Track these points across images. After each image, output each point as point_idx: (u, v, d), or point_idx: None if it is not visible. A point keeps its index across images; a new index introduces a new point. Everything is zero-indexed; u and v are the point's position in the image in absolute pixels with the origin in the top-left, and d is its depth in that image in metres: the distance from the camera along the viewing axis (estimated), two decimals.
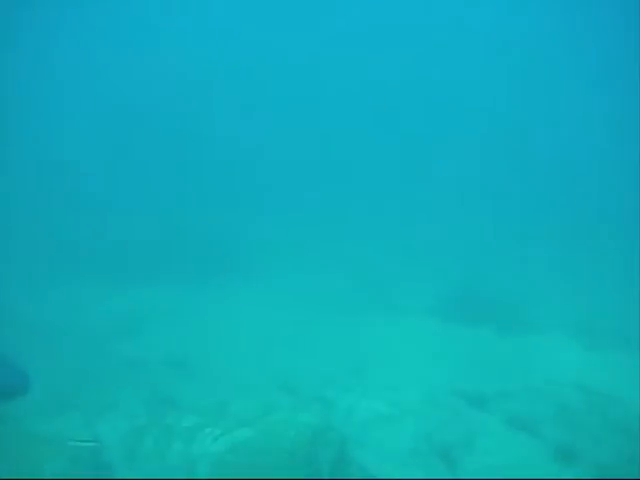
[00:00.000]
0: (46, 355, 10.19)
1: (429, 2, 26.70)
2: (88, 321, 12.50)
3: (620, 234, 18.07)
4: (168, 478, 6.58)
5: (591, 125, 24.26)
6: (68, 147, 19.39)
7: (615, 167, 21.60)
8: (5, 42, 17.46)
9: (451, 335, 12.45)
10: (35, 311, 12.45)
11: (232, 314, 13.51)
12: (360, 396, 9.11)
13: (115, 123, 20.64)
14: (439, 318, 13.36)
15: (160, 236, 16.99)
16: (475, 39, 26.21)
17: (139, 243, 16.42)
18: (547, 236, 18.62)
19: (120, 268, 15.04)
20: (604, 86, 25.16)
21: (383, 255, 17.43)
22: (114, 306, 13.67)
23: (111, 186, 18.73)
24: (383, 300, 14.62)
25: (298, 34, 25.69)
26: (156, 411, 7.84)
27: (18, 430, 7.82)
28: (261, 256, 17.26)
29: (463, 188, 20.27)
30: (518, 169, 22.62)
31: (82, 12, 21.12)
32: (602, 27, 24.50)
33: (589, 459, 7.63)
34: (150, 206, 18.54)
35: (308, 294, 14.97)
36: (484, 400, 9.10)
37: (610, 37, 24.17)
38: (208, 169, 21.03)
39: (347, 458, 6.96)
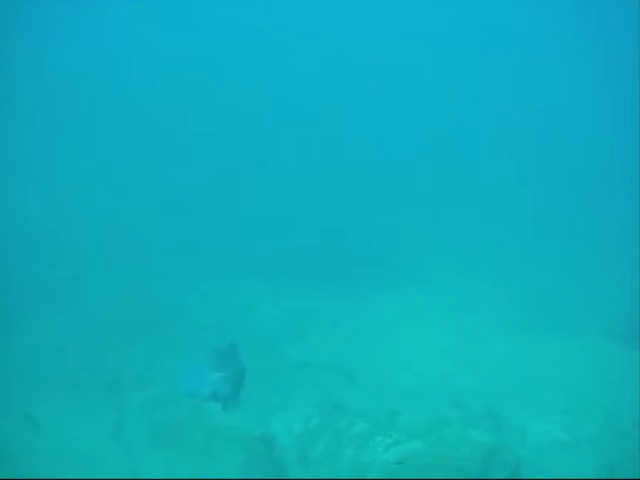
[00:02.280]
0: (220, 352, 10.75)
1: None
2: (258, 322, 13.02)
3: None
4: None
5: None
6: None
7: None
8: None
9: (632, 359, 11.55)
10: (207, 310, 13.15)
11: (395, 321, 13.47)
12: (534, 417, 8.71)
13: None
14: (619, 341, 12.44)
15: (325, 241, 17.32)
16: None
17: (305, 248, 16.84)
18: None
19: (287, 272, 15.50)
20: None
21: (559, 270, 16.50)
22: (281, 308, 14.11)
23: (282, 193, 19.34)
24: (557, 318, 13.87)
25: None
26: (327, 415, 7.99)
27: (199, 422, 8.35)
28: (425, 263, 17.04)
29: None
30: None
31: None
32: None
33: None
34: (316, 211, 18.94)
35: (474, 303, 14.56)
36: None
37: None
38: (359, 175, 21.07)
39: None
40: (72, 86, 20.95)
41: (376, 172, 20.96)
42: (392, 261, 16.79)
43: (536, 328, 13.10)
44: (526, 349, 11.93)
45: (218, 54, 22.64)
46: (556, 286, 15.23)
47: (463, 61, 24.08)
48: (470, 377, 10.36)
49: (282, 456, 7.29)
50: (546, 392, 9.95)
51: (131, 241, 14.86)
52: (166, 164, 19.05)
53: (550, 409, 9.13)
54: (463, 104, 22.19)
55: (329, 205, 19.04)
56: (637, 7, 20.46)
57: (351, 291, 14.75)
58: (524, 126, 22.30)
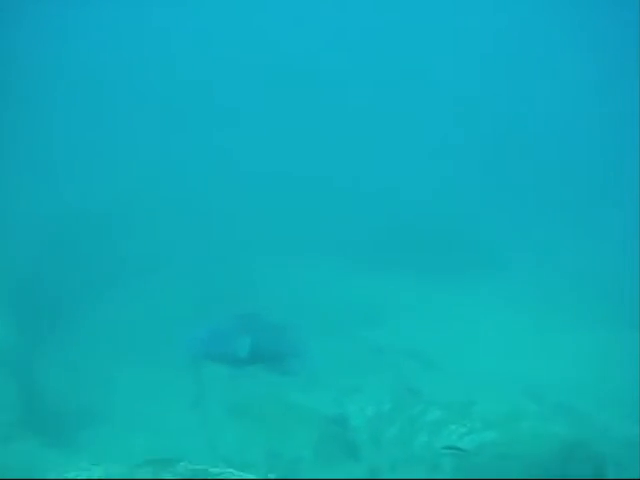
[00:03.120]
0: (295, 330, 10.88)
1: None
2: (335, 302, 13.07)
3: None
4: None
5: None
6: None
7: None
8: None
9: None
10: (285, 288, 13.27)
11: (474, 308, 13.26)
12: (616, 413, 8.41)
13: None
14: None
15: (406, 224, 17.14)
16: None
17: (385, 230, 16.73)
18: None
19: (365, 253, 15.46)
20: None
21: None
22: (357, 290, 14.11)
23: (365, 173, 19.21)
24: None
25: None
26: (401, 400, 7.98)
27: (274, 398, 8.51)
28: (507, 251, 16.62)
29: None
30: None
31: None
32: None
33: None
34: (400, 193, 18.73)
35: (556, 294, 14.12)
36: None
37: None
38: (443, 159, 20.67)
39: None
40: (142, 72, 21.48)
41: (460, 157, 20.58)
42: (474, 247, 16.47)
43: (618, 322, 12.59)
44: (607, 343, 11.50)
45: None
46: None
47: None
48: (549, 369, 10.09)
49: (354, 437, 7.35)
50: (628, 388, 9.58)
51: (211, 215, 15.14)
52: (247, 139, 19.27)
53: (633, 405, 8.79)
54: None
55: (413, 188, 18.81)
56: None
57: (430, 276, 14.57)
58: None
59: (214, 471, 3.92)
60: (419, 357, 10.49)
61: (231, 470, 4.00)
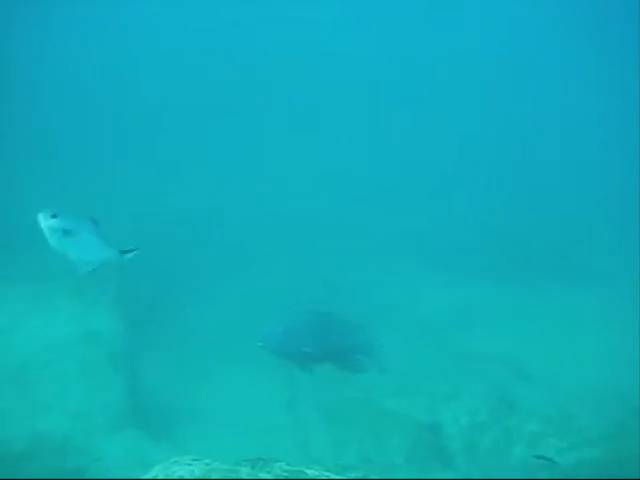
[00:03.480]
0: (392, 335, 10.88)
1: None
2: (425, 308, 12.97)
3: None
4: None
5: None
6: None
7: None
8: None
9: None
10: (373, 292, 13.25)
11: (571, 318, 12.79)
12: None
13: None
14: None
15: (499, 229, 16.79)
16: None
17: (478, 234, 16.44)
18: None
19: (456, 258, 15.23)
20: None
21: None
22: (449, 297, 13.93)
23: (458, 178, 18.98)
24: None
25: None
26: (496, 410, 7.85)
27: (367, 401, 8.55)
28: (606, 262, 15.96)
29: None
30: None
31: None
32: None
33: None
34: (492, 198, 18.39)
35: None
36: None
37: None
38: (542, 164, 20.11)
39: None
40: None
41: (560, 162, 20.02)
42: (571, 255, 15.92)
43: None
44: None
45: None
46: None
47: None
48: None
49: (448, 445, 7.29)
50: None
51: (299, 218, 15.32)
52: (334, 143, 19.40)
53: None
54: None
55: (497, 194, 18.47)
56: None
57: (524, 283, 14.20)
58: None
59: (311, 473, 3.98)
60: (512, 365, 10.24)
61: (327, 473, 4.05)
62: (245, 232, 14.23)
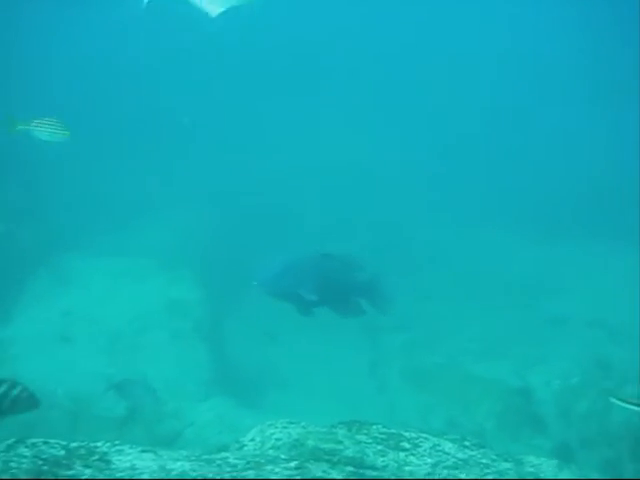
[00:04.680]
0: (470, 301, 10.67)
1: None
2: (512, 272, 12.62)
3: None
4: None
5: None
6: None
7: None
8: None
9: None
10: (461, 258, 12.97)
11: None
12: None
13: None
14: None
15: (585, 190, 16.16)
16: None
17: (561, 195, 15.90)
18: None
19: (542, 220, 14.77)
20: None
21: None
22: (533, 259, 13.52)
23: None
24: None
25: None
26: (590, 372, 7.57)
27: (454, 370, 8.42)
28: None
29: None
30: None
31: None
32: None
33: None
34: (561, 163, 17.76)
35: None
36: None
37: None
38: None
39: None
40: None
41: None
42: None
43: None
44: None
45: None
46: None
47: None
48: None
49: (540, 410, 7.08)
50: None
51: (392, 186, 15.12)
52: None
53: None
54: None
55: (578, 156, 17.81)
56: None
57: (611, 243, 13.62)
58: None
59: (408, 435, 3.91)
60: (604, 328, 9.84)
61: (425, 435, 3.98)
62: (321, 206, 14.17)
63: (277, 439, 3.86)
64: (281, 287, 5.66)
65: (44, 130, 5.16)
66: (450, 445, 3.76)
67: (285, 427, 3.95)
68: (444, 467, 3.54)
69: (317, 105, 18.59)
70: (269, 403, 8.20)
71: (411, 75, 21.22)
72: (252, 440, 3.94)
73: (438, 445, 3.73)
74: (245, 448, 3.88)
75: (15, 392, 3.74)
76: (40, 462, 3.09)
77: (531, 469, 3.53)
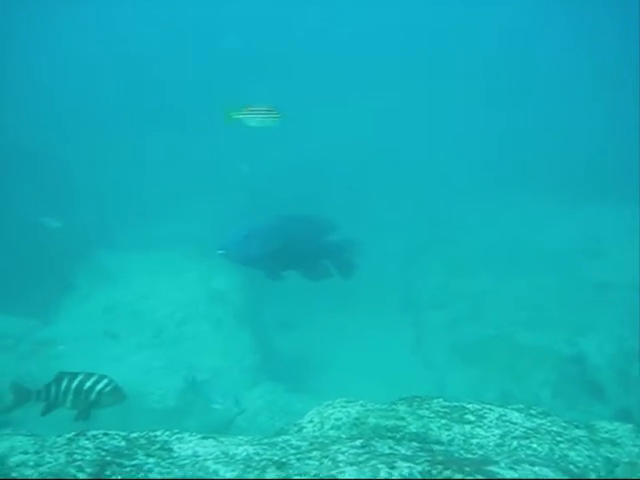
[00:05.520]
0: (510, 270, 10.47)
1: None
2: (547, 239, 12.35)
3: None
4: None
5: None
6: None
7: None
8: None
9: None
10: (495, 228, 12.75)
11: None
12: None
13: None
14: None
15: (616, 153, 15.78)
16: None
17: (593, 158, 15.56)
18: None
19: (572, 184, 14.44)
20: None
21: None
22: (571, 224, 13.20)
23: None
24: None
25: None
26: None
27: (502, 341, 8.27)
28: None
29: None
30: None
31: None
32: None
33: None
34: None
35: None
36: None
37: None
38: None
39: None
40: None
41: None
42: None
43: None
44: None
45: None
46: None
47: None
48: None
49: (597, 376, 6.90)
50: None
51: (417, 162, 14.91)
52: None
53: None
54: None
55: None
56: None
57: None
58: None
59: (471, 407, 3.80)
60: None
61: (489, 406, 3.86)
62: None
63: (336, 419, 3.77)
64: (246, 253, 5.45)
65: (255, 117, 5.29)
66: (517, 415, 3.63)
67: (344, 406, 3.86)
68: (513, 437, 3.41)
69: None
70: (316, 386, 8.13)
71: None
72: (311, 422, 3.86)
73: (504, 415, 3.61)
74: (305, 430, 3.80)
75: (100, 386, 3.77)
76: (103, 453, 3.06)
77: (605, 435, 3.39)
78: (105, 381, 3.81)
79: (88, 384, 3.80)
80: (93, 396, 3.80)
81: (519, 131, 17.18)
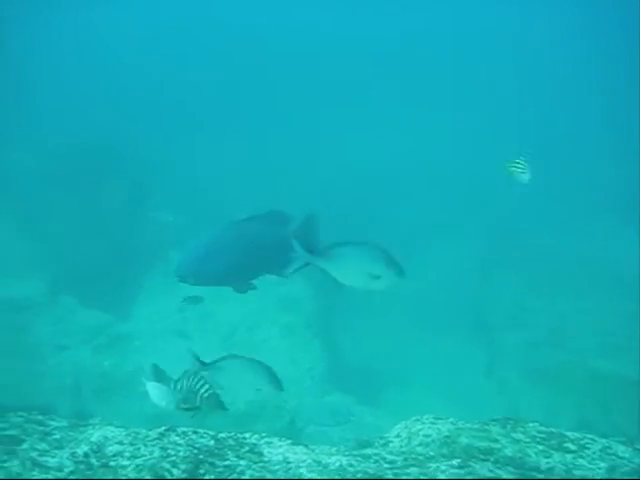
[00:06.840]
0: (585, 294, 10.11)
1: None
2: (621, 263, 11.88)
3: None
4: None
5: None
6: None
7: None
8: None
9: None
10: (572, 249, 12.33)
11: None
12: None
13: None
14: None
15: None
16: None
17: None
18: None
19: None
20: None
21: None
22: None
23: None
24: None
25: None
26: None
27: (579, 366, 7.95)
28: None
29: None
30: None
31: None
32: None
33: None
34: None
35: None
36: None
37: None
38: None
39: None
40: None
41: None
42: None
43: None
44: None
45: None
46: None
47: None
48: None
49: None
50: None
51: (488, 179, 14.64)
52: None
53: None
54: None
55: None
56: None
57: None
58: None
59: (571, 435, 3.63)
60: None
61: (592, 436, 3.68)
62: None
63: (425, 435, 3.64)
64: (208, 272, 4.75)
65: (516, 170, 5.44)
66: (623, 448, 3.43)
67: (433, 423, 3.73)
68: (622, 473, 3.21)
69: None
70: (387, 401, 7.99)
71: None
72: (397, 436, 3.74)
73: (609, 447, 3.40)
74: (391, 445, 3.68)
75: (202, 390, 3.79)
76: (195, 451, 3.03)
77: None
78: (206, 387, 3.82)
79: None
80: (196, 399, 3.85)
81: (599, 153, 16.77)
